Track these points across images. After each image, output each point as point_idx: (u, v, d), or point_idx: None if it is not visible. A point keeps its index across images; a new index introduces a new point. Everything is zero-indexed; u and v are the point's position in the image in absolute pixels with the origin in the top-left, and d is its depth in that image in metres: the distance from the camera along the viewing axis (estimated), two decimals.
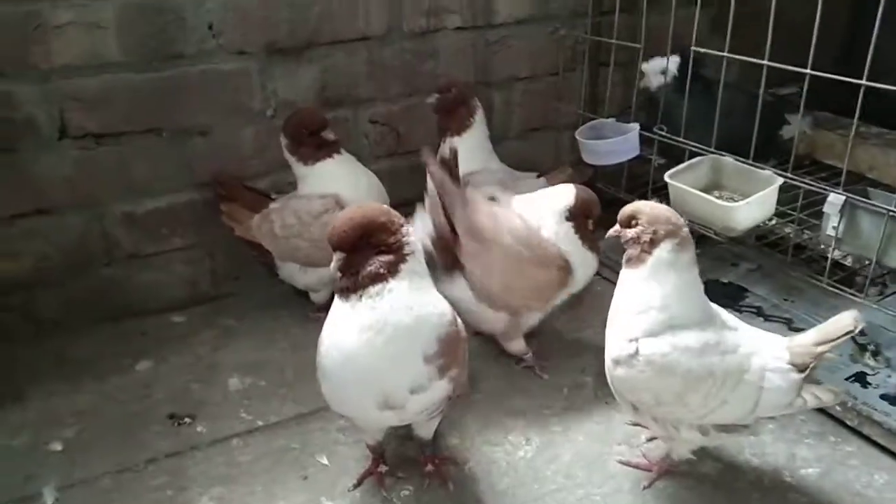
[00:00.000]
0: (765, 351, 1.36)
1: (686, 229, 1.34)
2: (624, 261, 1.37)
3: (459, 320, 1.38)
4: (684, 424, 1.39)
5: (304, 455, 1.62)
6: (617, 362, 1.34)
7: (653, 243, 1.31)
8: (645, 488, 1.50)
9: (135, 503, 1.50)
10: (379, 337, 1.23)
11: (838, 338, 1.35)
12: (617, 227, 1.39)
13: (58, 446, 1.65)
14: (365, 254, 1.24)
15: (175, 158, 2.03)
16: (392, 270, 1.24)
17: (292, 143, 1.94)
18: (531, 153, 2.49)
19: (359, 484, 1.53)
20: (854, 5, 2.67)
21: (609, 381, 1.41)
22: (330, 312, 1.31)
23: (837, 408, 1.65)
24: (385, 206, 1.31)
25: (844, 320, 1.36)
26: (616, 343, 1.36)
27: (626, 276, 1.37)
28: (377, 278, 1.23)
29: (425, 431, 1.50)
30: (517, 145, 2.47)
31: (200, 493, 1.52)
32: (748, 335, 1.38)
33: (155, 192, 2.04)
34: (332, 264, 1.24)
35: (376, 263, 1.24)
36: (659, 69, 2.15)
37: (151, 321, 2.11)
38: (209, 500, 1.50)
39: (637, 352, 1.32)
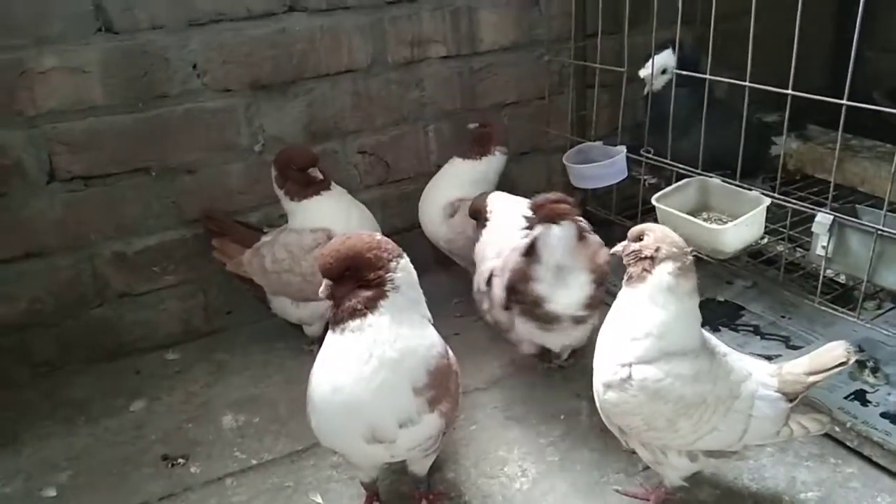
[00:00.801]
0: (754, 378, 1.35)
1: (690, 258, 1.31)
2: (624, 280, 1.35)
3: (451, 353, 1.37)
4: (672, 450, 1.37)
5: (298, 493, 1.60)
6: (608, 386, 1.32)
7: (653, 262, 1.29)
8: None
9: None
10: (365, 367, 1.23)
11: (830, 369, 1.33)
12: (625, 241, 1.37)
13: (51, 492, 1.64)
14: (348, 286, 1.26)
15: (164, 197, 2.04)
16: (370, 306, 1.24)
17: (280, 178, 1.94)
18: (522, 177, 2.49)
19: None
20: (839, 21, 2.68)
21: (598, 404, 1.39)
22: (324, 343, 1.31)
23: (837, 429, 1.62)
24: (378, 238, 1.29)
25: (836, 350, 1.34)
26: (608, 367, 1.33)
27: (625, 296, 1.34)
28: (355, 313, 1.24)
29: (419, 468, 1.48)
30: (508, 169, 2.46)
31: None
32: (738, 362, 1.36)
33: (145, 230, 2.05)
34: (321, 289, 1.26)
35: (355, 298, 1.25)
36: (658, 69, 2.08)
37: (145, 359, 2.11)
38: None
39: (630, 376, 1.30)
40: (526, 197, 2.19)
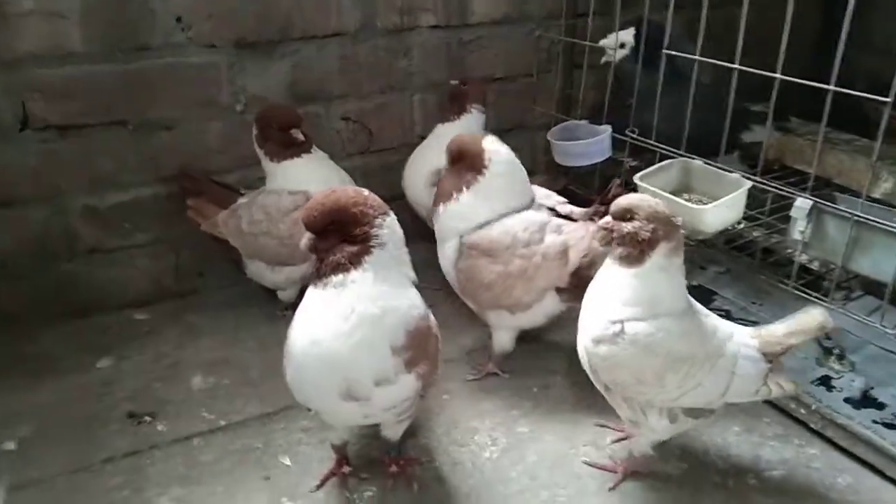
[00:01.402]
0: (737, 338, 1.37)
1: (681, 231, 1.31)
2: (616, 256, 1.32)
3: (432, 316, 1.36)
4: (654, 408, 1.38)
5: (267, 455, 1.59)
6: (599, 341, 1.32)
7: (651, 244, 1.27)
8: (611, 489, 1.50)
9: None
10: (345, 324, 1.22)
11: (810, 332, 1.38)
12: (608, 218, 1.33)
13: (11, 445, 1.61)
14: (332, 241, 1.24)
15: (140, 152, 1.99)
16: (354, 262, 1.23)
17: (261, 137, 1.91)
18: None
19: (322, 485, 1.51)
20: (824, 14, 2.71)
21: (586, 362, 1.38)
22: (305, 297, 1.30)
23: (802, 411, 1.66)
24: (365, 193, 1.27)
25: (817, 316, 1.38)
26: (598, 324, 1.33)
27: (616, 272, 1.32)
28: (338, 268, 1.23)
29: (392, 433, 1.48)
30: None
31: (159, 494, 1.48)
32: (721, 324, 1.39)
33: (119, 185, 2.00)
34: (303, 241, 1.24)
35: (339, 253, 1.23)
36: (618, 42, 2.16)
37: (113, 318, 2.07)
38: (168, 500, 1.47)
39: (622, 330, 1.30)
40: None
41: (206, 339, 1.99)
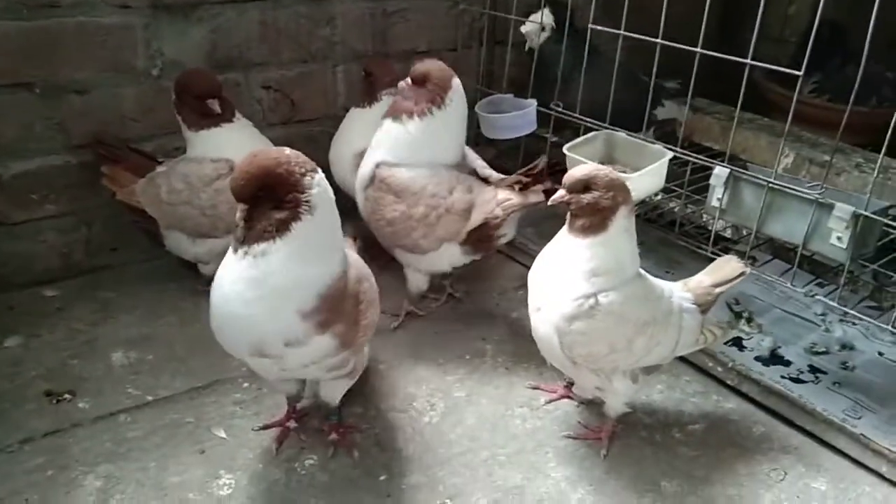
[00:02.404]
0: (676, 293, 1.45)
1: (632, 194, 1.36)
2: (575, 228, 1.34)
3: (355, 272, 1.33)
4: (618, 373, 1.43)
5: (200, 429, 1.54)
6: (574, 317, 1.33)
7: (612, 210, 1.30)
8: (605, 456, 1.53)
9: (8, 486, 1.37)
10: (251, 292, 1.21)
11: (734, 279, 1.49)
12: (563, 192, 1.34)
13: None
14: (263, 208, 1.20)
15: (48, 117, 1.87)
16: (281, 229, 1.20)
17: (178, 103, 1.83)
18: None
19: (265, 428, 1.53)
20: (724, 4, 2.85)
21: (557, 340, 1.37)
22: (225, 257, 1.26)
23: (719, 368, 1.76)
24: (287, 151, 1.22)
25: (733, 263, 1.51)
26: (567, 303, 1.34)
27: (574, 244, 1.34)
28: (262, 237, 1.20)
29: (329, 394, 1.47)
30: None
31: (85, 472, 1.41)
32: (660, 281, 1.46)
33: (25, 153, 1.87)
34: (238, 214, 1.19)
35: (266, 221, 1.20)
36: (538, 26, 2.22)
37: (19, 295, 1.94)
38: (95, 478, 1.40)
39: (597, 303, 1.33)
40: None
41: (123, 316, 1.89)
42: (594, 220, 1.32)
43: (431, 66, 1.74)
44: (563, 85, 2.12)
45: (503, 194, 1.77)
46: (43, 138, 1.88)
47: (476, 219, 1.73)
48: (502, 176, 1.80)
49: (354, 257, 1.42)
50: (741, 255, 1.78)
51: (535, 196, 1.86)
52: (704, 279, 1.52)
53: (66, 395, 1.60)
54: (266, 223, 1.20)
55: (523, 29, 2.24)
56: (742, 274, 1.51)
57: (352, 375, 1.42)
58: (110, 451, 1.46)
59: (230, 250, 1.25)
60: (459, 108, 1.76)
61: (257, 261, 1.20)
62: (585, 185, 1.31)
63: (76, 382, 1.64)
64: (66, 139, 1.90)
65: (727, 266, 1.54)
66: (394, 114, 1.75)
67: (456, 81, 1.74)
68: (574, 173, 1.33)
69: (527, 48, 2.25)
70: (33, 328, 1.82)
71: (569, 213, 1.36)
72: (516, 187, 1.82)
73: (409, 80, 1.75)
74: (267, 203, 1.20)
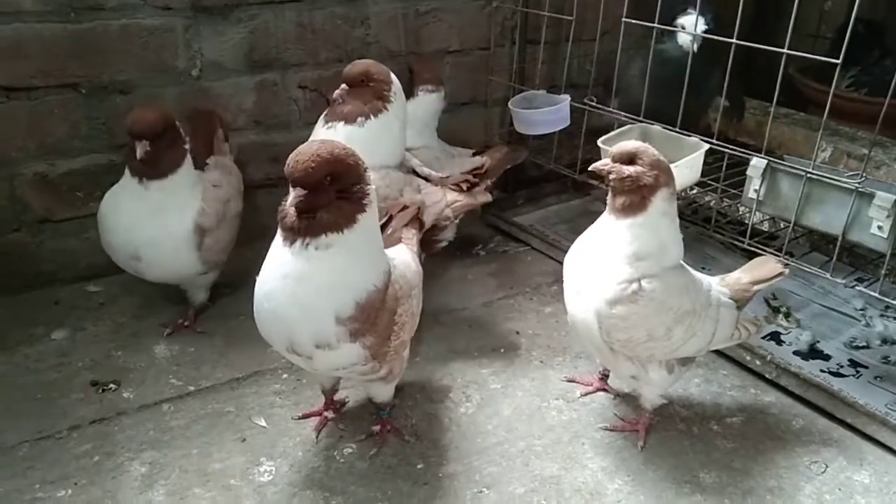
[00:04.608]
0: (715, 287, 1.44)
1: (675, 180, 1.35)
2: (616, 208, 1.33)
3: (392, 294, 1.28)
4: (654, 362, 1.43)
5: (241, 418, 1.57)
6: (616, 302, 1.32)
7: (652, 189, 1.29)
8: (643, 448, 1.52)
9: (58, 471, 1.41)
10: (297, 287, 1.19)
11: (771, 278, 1.48)
12: (608, 160, 1.33)
13: None
14: (325, 197, 1.16)
15: (93, 117, 1.92)
16: (350, 220, 1.18)
17: None
18: (460, 127, 2.49)
19: (304, 417, 1.57)
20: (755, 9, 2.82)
21: (596, 323, 1.36)
22: (272, 245, 1.24)
23: (757, 362, 1.74)
24: (344, 145, 1.20)
25: (772, 263, 1.50)
26: (610, 286, 1.33)
27: (615, 226, 1.33)
28: (333, 227, 1.16)
29: (374, 392, 1.48)
30: (446, 119, 2.46)
31: (131, 458, 1.45)
32: (700, 274, 1.46)
33: (71, 152, 1.93)
34: (290, 199, 1.14)
35: (335, 211, 1.16)
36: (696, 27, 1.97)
37: (64, 290, 2.00)
38: (140, 464, 1.44)
39: (641, 288, 1.32)
40: None
41: (165, 310, 1.93)
42: (634, 198, 1.30)
43: (366, 64, 1.72)
44: (631, 86, 2.10)
45: (451, 195, 1.77)
46: (88, 137, 1.93)
47: (427, 221, 1.70)
48: (442, 175, 1.80)
49: (403, 272, 1.37)
50: (779, 249, 1.77)
51: (483, 197, 1.87)
52: (742, 276, 1.51)
53: (111, 385, 1.64)
54: (334, 213, 1.16)
55: (681, 39, 2.03)
56: (780, 274, 1.50)
57: (388, 379, 1.41)
58: (154, 439, 1.50)
59: (279, 241, 1.22)
60: (402, 104, 1.75)
61: (319, 253, 1.17)
62: (631, 158, 1.30)
63: (120, 373, 1.68)
64: (110, 138, 1.95)
65: (766, 265, 1.53)
66: (341, 118, 1.70)
67: (394, 76, 1.73)
68: (623, 145, 1.33)
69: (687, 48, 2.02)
70: (79, 321, 1.87)
71: (609, 194, 1.36)
72: (464, 187, 1.83)
73: (344, 85, 1.71)
74: (330, 192, 1.16)
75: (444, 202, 1.71)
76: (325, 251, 1.18)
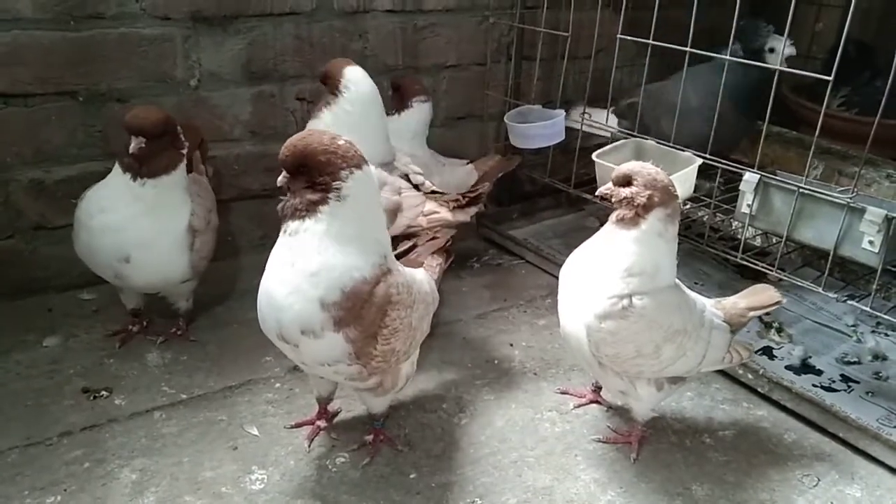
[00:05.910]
0: (709, 309, 1.45)
1: (679, 202, 1.36)
2: (615, 218, 1.36)
3: (383, 291, 1.28)
4: (642, 380, 1.44)
5: (233, 426, 1.56)
6: (606, 317, 1.33)
7: (646, 209, 1.31)
8: (635, 460, 1.53)
9: (47, 477, 1.40)
10: (285, 271, 1.24)
11: (768, 305, 1.50)
12: (609, 184, 1.37)
13: None
14: (300, 183, 1.24)
15: (90, 125, 1.92)
16: (310, 209, 1.23)
17: None
18: (456, 142, 2.52)
19: (296, 426, 1.56)
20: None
21: (586, 336, 1.37)
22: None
23: (749, 376, 1.75)
24: (340, 142, 1.23)
25: (770, 292, 1.52)
26: (601, 301, 1.34)
27: (615, 234, 1.36)
28: (294, 213, 1.24)
29: (366, 402, 1.48)
30: (442, 133, 2.49)
31: (121, 465, 1.44)
32: (695, 295, 1.47)
33: (67, 159, 1.93)
34: (280, 178, 1.25)
35: (299, 198, 1.24)
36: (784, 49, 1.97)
37: (57, 298, 1.99)
38: (131, 471, 1.43)
39: (631, 304, 1.33)
40: None
41: (158, 319, 1.93)
42: (628, 213, 1.33)
43: (330, 63, 1.76)
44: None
45: (431, 206, 1.78)
46: (85, 145, 1.93)
47: (399, 223, 1.72)
48: (435, 188, 1.82)
49: (410, 283, 1.38)
50: (771, 264, 1.78)
51: (462, 216, 1.88)
52: (739, 301, 1.52)
53: (103, 392, 1.63)
54: (298, 200, 1.24)
55: (770, 60, 1.98)
56: (778, 303, 1.52)
57: (378, 392, 1.41)
58: (145, 446, 1.49)
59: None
60: (361, 95, 1.73)
61: (291, 239, 1.24)
62: (627, 180, 1.33)
63: (112, 380, 1.68)
64: (106, 146, 1.95)
65: (764, 293, 1.54)
66: (312, 114, 1.77)
67: (350, 69, 1.73)
68: (622, 167, 1.35)
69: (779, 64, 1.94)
70: (71, 329, 1.86)
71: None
72: (451, 204, 1.83)
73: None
74: (302, 180, 1.24)
75: (419, 209, 1.71)
76: (294, 237, 1.24)
